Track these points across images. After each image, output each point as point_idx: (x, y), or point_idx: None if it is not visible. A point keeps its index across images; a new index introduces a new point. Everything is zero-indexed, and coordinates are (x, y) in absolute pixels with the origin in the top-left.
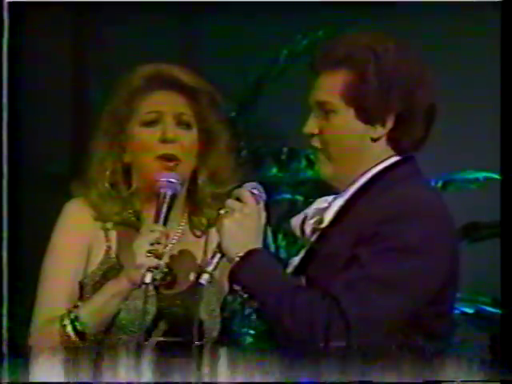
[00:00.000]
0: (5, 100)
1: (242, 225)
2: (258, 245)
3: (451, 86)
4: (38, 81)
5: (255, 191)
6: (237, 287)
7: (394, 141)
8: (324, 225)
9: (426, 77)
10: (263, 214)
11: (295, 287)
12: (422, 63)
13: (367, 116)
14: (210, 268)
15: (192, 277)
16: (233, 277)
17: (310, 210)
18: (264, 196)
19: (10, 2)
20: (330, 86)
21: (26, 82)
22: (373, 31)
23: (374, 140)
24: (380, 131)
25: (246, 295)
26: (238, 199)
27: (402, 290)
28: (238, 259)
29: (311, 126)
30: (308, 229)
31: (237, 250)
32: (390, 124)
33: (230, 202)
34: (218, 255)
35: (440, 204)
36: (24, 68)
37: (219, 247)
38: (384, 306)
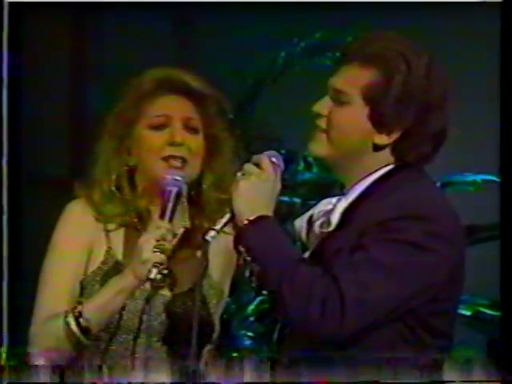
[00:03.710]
0: (5, 100)
1: (258, 189)
2: (270, 212)
3: (450, 87)
4: (37, 81)
5: (274, 160)
6: (241, 249)
7: (397, 152)
8: (332, 228)
9: (445, 101)
10: (279, 184)
11: (299, 259)
12: (446, 87)
13: (378, 119)
14: (217, 226)
15: (198, 254)
16: (239, 238)
17: (315, 213)
18: (282, 166)
19: (10, 2)
20: (354, 79)
21: (26, 82)
22: (412, 40)
23: (376, 146)
24: (384, 139)
25: (248, 258)
26: (257, 165)
27: (402, 278)
28: (247, 222)
29: (321, 106)
30: (315, 231)
31: (248, 213)
32: (395, 135)
33: (249, 167)
34: (228, 215)
35: (450, 206)
36: (24, 68)
37: (230, 207)
38: (382, 291)
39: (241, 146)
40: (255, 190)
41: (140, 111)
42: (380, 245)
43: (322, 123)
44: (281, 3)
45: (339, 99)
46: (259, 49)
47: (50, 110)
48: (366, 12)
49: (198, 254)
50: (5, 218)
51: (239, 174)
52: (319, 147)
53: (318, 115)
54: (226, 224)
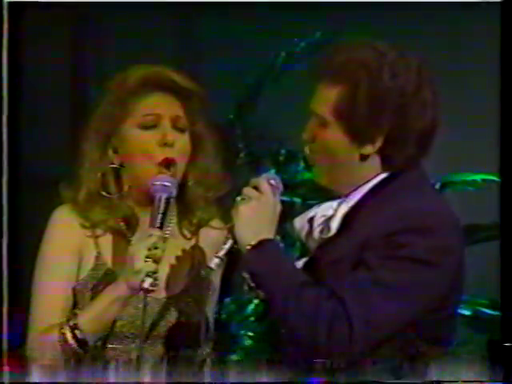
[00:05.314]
0: (5, 101)
1: (258, 213)
2: (271, 235)
3: (450, 87)
4: (37, 81)
5: (273, 182)
6: (246, 275)
7: (385, 158)
8: (331, 234)
9: (426, 94)
10: (278, 206)
11: (303, 282)
12: (420, 82)
13: (356, 133)
14: (221, 253)
15: (203, 273)
16: (243, 264)
17: (316, 217)
18: (281, 188)
19: (9, 2)
20: (324, 100)
21: (26, 82)
22: (373, 40)
23: (364, 156)
24: (369, 149)
25: (253, 284)
26: (256, 188)
27: (407, 297)
28: (249, 247)
29: (308, 133)
30: (314, 235)
31: (250, 238)
32: (379, 143)
33: (248, 191)
34: (231, 241)
35: (452, 215)
36: (24, 68)
37: (232, 233)
38: (388, 311)
39: (234, 140)
40: (256, 214)
41: (127, 109)
42: (383, 263)
43: (310, 151)
44: (281, 3)
45: (319, 122)
46: (259, 49)
47: (50, 110)
48: (366, 12)
49: (203, 272)
50: (5, 218)
51: (239, 198)
52: (318, 177)
53: (307, 142)
54: (228, 250)
